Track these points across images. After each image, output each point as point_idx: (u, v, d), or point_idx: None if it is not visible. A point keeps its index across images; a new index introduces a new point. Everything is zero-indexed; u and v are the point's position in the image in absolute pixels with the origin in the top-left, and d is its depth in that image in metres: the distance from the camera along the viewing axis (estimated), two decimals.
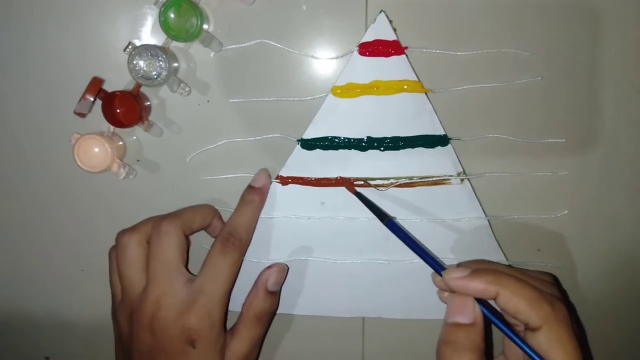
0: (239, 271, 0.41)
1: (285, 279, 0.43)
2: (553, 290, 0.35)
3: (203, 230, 0.43)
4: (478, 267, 0.35)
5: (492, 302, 0.34)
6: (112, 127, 0.43)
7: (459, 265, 0.39)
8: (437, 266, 0.36)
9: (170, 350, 0.38)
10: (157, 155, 0.44)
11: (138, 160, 0.44)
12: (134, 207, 0.44)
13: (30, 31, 0.43)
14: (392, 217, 0.41)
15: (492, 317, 0.34)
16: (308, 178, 0.43)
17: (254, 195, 0.42)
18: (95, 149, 0.41)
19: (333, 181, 0.43)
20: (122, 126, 0.41)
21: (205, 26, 0.41)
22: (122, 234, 0.41)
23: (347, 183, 0.43)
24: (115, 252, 0.41)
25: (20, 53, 0.43)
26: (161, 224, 0.40)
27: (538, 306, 0.32)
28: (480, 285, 0.33)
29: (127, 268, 0.40)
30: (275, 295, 0.42)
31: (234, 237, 0.40)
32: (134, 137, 0.44)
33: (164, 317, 0.38)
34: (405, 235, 0.39)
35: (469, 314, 0.33)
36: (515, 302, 0.32)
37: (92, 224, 0.46)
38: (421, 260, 0.44)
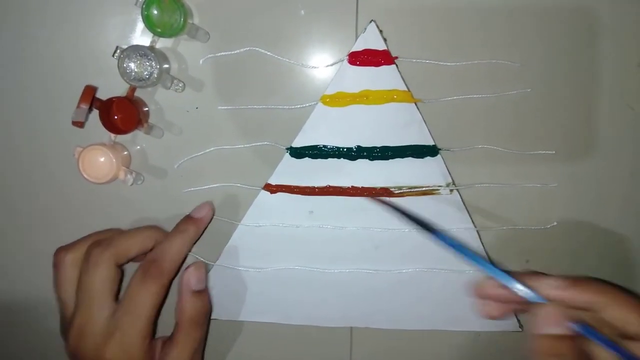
0: (163, 300, 0.39)
1: (206, 274, 0.42)
2: None
3: None
4: (568, 277, 0.33)
5: None
6: (113, 136, 0.42)
7: (530, 273, 0.36)
8: (503, 274, 0.34)
9: None
10: (144, 164, 0.44)
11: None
12: (129, 216, 0.44)
13: (12, 43, 0.43)
14: (437, 228, 0.39)
15: (588, 329, 0.32)
16: (296, 186, 0.43)
17: (189, 225, 0.41)
18: (100, 159, 0.41)
19: (318, 190, 0.43)
20: (121, 132, 0.41)
21: (190, 21, 0.41)
22: (58, 251, 0.40)
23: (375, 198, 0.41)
24: (53, 270, 0.41)
25: (7, 65, 0.43)
26: (91, 253, 0.38)
27: None
28: (586, 297, 0.32)
29: (59, 288, 0.40)
30: (203, 294, 0.41)
31: (156, 266, 0.38)
32: (138, 147, 0.44)
33: (84, 347, 0.38)
34: (458, 245, 0.37)
35: (563, 324, 0.31)
36: (625, 313, 0.32)
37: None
38: (410, 270, 0.44)
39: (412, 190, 0.43)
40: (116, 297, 0.39)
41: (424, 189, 0.43)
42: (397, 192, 0.43)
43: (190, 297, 0.40)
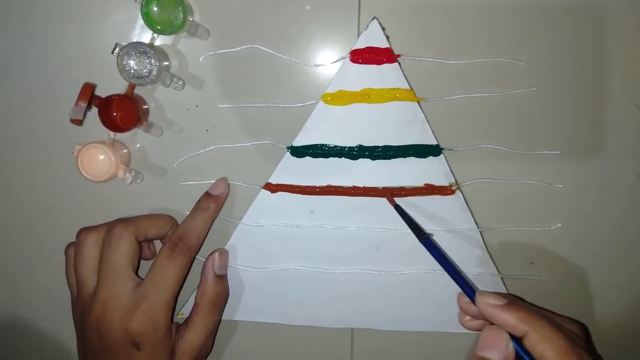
0: (186, 275, 0.41)
1: (228, 261, 0.43)
2: (581, 343, 0.34)
3: None
4: (513, 301, 0.34)
5: None
6: (112, 134, 0.42)
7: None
8: (469, 289, 0.36)
9: (116, 351, 0.39)
10: (144, 162, 0.44)
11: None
12: (127, 215, 0.43)
13: (11, 41, 0.43)
14: (430, 234, 0.40)
15: (526, 355, 0.32)
16: (297, 186, 0.42)
17: (210, 203, 0.42)
18: (99, 157, 0.41)
19: (319, 189, 0.43)
20: (121, 130, 0.41)
21: (190, 19, 0.40)
22: (81, 231, 0.41)
23: (387, 194, 0.42)
24: (74, 249, 0.41)
25: (6, 63, 0.43)
26: (114, 227, 0.40)
27: (566, 357, 0.31)
28: (511, 320, 0.33)
29: (80, 266, 0.40)
30: (223, 279, 0.42)
31: (183, 242, 0.40)
32: (138, 145, 0.44)
33: (109, 319, 0.38)
34: (440, 256, 0.38)
35: (502, 350, 0.32)
36: (543, 347, 0.32)
37: None
38: (412, 272, 0.44)
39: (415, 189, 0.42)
40: (136, 272, 0.41)
41: None
42: (399, 192, 0.42)
43: (213, 280, 0.41)
